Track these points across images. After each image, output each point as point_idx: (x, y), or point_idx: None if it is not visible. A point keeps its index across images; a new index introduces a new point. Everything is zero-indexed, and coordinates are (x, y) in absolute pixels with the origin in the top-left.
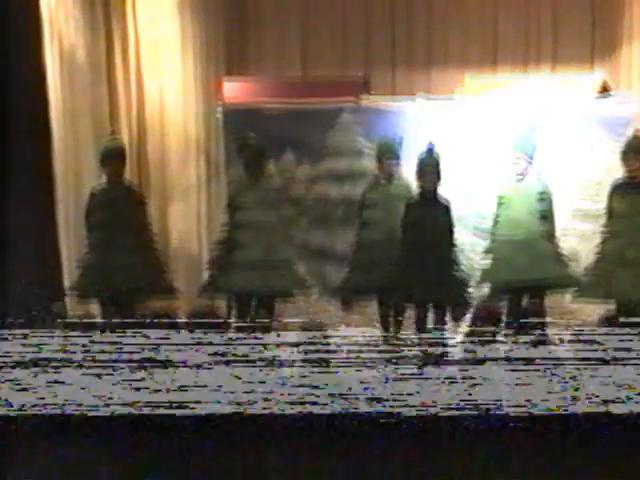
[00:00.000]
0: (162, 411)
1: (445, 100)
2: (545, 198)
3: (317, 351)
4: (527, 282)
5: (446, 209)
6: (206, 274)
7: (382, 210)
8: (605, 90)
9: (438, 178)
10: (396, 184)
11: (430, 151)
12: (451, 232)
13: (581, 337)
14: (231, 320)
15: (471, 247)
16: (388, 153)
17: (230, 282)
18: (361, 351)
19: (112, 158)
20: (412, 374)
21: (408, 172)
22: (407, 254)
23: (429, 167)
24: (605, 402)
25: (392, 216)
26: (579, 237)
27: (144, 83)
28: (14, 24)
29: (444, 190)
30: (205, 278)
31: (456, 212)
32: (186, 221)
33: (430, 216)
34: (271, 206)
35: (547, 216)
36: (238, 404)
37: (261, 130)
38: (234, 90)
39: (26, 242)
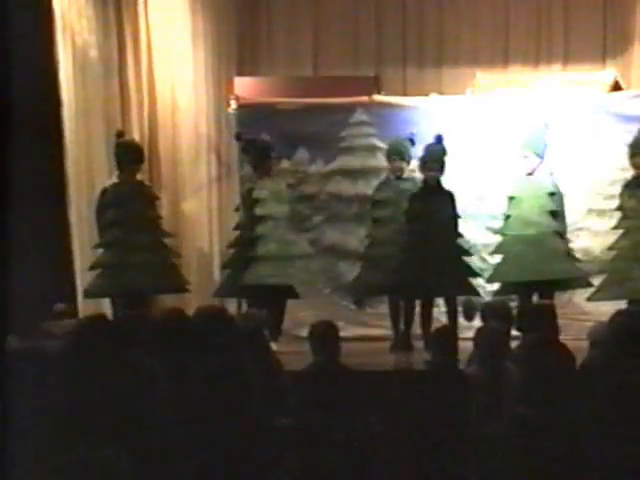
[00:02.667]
0: None
1: (457, 98)
2: (556, 196)
3: None
4: (538, 280)
5: (450, 198)
6: (219, 273)
7: (392, 207)
8: (617, 88)
9: (442, 168)
10: (405, 181)
11: (436, 142)
12: (455, 221)
13: None
14: None
15: (484, 247)
16: (396, 151)
17: (250, 277)
18: None
19: (132, 159)
20: None
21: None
22: (412, 246)
23: (433, 157)
24: None
25: (402, 213)
26: (593, 235)
27: (156, 81)
28: (26, 21)
29: (457, 188)
30: (222, 277)
31: (468, 211)
32: (198, 218)
33: (434, 206)
34: (284, 200)
35: (558, 214)
36: None
37: (274, 127)
38: (246, 88)
39: (38, 241)
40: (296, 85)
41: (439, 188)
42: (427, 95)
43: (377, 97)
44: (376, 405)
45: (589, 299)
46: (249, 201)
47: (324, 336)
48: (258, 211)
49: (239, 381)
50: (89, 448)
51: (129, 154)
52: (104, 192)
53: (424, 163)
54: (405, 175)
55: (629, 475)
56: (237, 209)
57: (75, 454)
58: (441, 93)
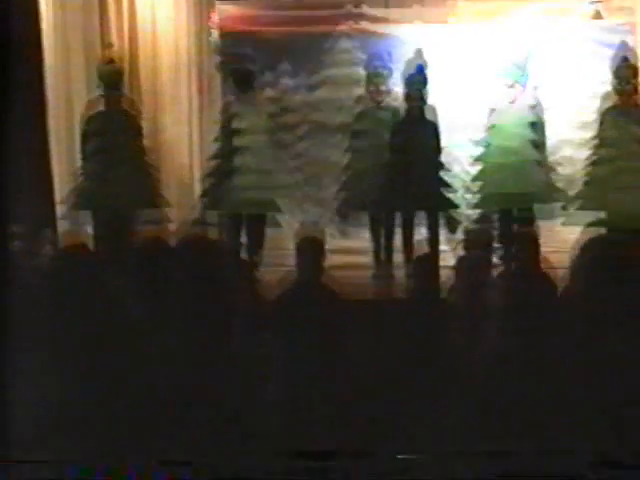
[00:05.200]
0: None
1: (440, 26)
2: (537, 125)
3: None
4: (516, 198)
5: (433, 127)
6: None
7: (370, 136)
8: (598, 17)
9: (424, 98)
10: (385, 111)
11: (418, 71)
12: (439, 150)
13: None
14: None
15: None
16: (374, 80)
17: (228, 202)
18: None
19: (110, 83)
20: None
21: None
22: (395, 171)
23: (415, 86)
24: None
25: (380, 142)
26: (573, 165)
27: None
28: None
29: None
30: (202, 200)
31: (449, 141)
32: (177, 135)
33: (417, 137)
34: (265, 131)
35: (539, 144)
36: None
37: (256, 55)
38: (227, 14)
39: (15, 168)
40: (278, 9)
41: (422, 119)
42: (411, 23)
43: (359, 26)
44: (357, 332)
45: (563, 224)
46: (228, 131)
47: (310, 244)
48: (237, 141)
49: (221, 307)
50: None
51: (105, 75)
52: (89, 120)
53: (407, 93)
54: (384, 102)
55: (611, 407)
56: (216, 139)
57: None
58: (423, 22)
